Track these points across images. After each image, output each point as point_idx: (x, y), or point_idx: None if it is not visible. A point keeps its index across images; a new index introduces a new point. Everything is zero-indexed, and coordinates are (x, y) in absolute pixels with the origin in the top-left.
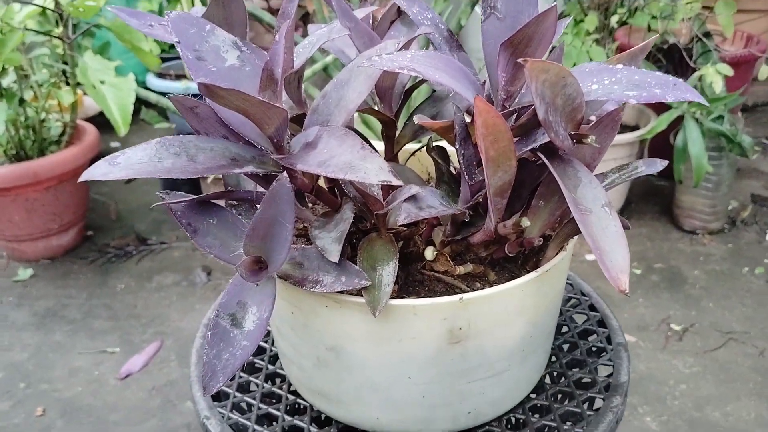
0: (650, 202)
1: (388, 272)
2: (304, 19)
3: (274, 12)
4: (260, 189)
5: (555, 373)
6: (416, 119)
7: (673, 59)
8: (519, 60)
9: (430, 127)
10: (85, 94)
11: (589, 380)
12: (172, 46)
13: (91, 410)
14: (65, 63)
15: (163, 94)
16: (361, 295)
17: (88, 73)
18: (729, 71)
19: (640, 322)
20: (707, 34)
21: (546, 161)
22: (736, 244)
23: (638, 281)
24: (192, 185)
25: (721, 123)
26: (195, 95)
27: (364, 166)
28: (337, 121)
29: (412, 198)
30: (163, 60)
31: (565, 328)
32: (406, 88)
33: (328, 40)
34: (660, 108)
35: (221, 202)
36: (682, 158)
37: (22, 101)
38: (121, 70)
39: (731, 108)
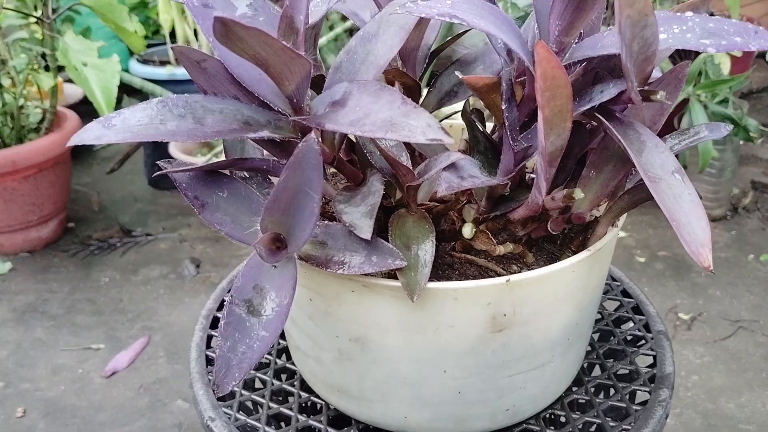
0: None
1: (425, 251)
2: None
3: None
4: (272, 158)
5: (592, 365)
6: (458, 74)
7: None
8: None
9: (474, 84)
10: (66, 81)
11: (629, 371)
12: (155, 32)
13: (75, 410)
14: (44, 46)
15: (148, 80)
16: (391, 278)
17: (69, 55)
18: (738, 52)
19: None
20: (710, 15)
21: (607, 123)
22: (740, 231)
23: (642, 269)
24: None
25: (725, 106)
26: (180, 81)
27: (408, 123)
28: (364, 79)
29: (452, 167)
30: (147, 46)
31: (597, 316)
32: (431, 50)
33: None
34: None
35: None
36: None
37: None
38: (103, 54)
39: (734, 92)
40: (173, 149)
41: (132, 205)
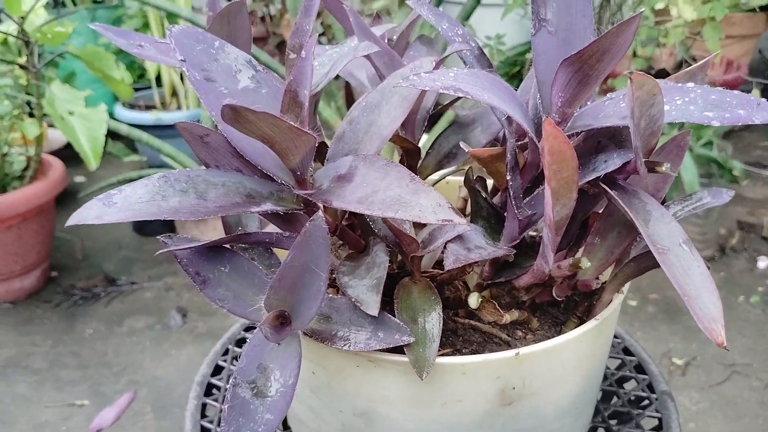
0: None
1: (432, 324)
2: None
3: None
4: (273, 230)
5: (597, 428)
6: (462, 146)
7: None
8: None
9: (479, 156)
10: (50, 126)
11: None
12: (141, 75)
13: None
14: (29, 94)
15: (133, 125)
16: (397, 352)
17: (56, 104)
18: None
19: None
20: (692, 59)
21: (612, 193)
22: (729, 273)
23: (635, 313)
24: (165, 224)
25: (710, 149)
26: (166, 126)
27: (417, 202)
28: (367, 150)
29: (458, 238)
30: (134, 90)
31: None
32: (430, 113)
33: (353, 58)
34: None
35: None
36: (674, 186)
37: None
38: (89, 100)
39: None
40: None
41: (116, 253)
